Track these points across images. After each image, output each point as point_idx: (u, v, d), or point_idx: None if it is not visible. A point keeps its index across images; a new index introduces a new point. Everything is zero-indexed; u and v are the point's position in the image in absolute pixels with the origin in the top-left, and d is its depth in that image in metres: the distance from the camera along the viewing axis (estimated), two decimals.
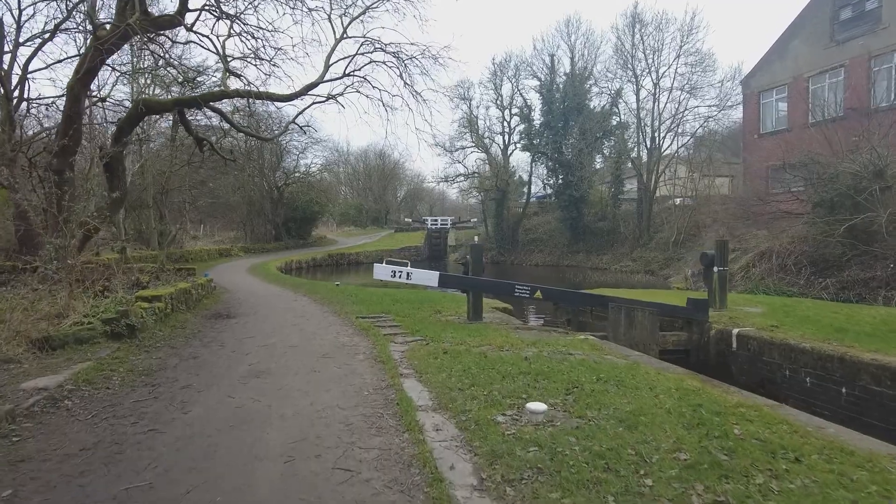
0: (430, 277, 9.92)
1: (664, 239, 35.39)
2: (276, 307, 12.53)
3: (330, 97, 15.23)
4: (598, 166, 45.53)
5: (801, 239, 19.42)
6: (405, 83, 13.69)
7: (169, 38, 12.79)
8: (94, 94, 18.11)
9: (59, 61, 13.76)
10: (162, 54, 14.82)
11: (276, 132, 16.00)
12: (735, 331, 9.75)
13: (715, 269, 12.07)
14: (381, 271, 9.80)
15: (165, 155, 28.47)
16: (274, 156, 45.04)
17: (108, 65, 16.39)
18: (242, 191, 42.43)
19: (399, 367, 6.41)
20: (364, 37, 13.94)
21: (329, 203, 51.29)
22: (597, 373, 6.01)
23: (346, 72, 13.39)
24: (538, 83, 44.94)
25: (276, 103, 15.02)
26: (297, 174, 46.78)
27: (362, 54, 13.56)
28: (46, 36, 13.54)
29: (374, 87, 14.01)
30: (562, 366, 6.31)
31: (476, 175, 50.65)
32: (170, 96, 15.59)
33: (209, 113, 26.22)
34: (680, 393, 5.34)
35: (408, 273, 9.69)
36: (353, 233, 60.89)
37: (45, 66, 14.40)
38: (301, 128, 14.77)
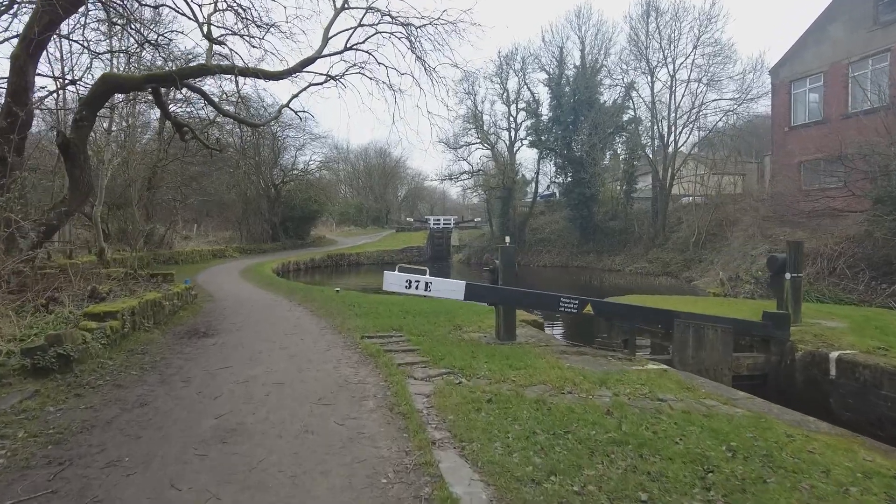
0: (454, 289, 7.95)
1: (681, 239, 33.47)
2: (266, 321, 10.57)
3: (329, 78, 13.27)
4: (608, 163, 43.62)
5: (851, 239, 17.51)
6: (416, 57, 11.73)
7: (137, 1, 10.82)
8: (65, 78, 16.23)
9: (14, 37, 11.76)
10: (138, 28, 12.92)
11: (268, 118, 14.07)
12: (834, 354, 7.81)
13: (787, 275, 10.16)
14: (393, 281, 7.83)
15: (153, 149, 26.55)
16: (271, 152, 43.09)
17: (81, 44, 14.48)
18: (238, 189, 40.52)
19: (427, 427, 4.45)
20: (369, 7, 12.01)
21: (328, 202, 49.28)
22: (721, 438, 4.07)
23: (348, 45, 11.45)
24: (546, 76, 42.97)
25: (266, 82, 13.08)
26: (295, 171, 44.78)
27: (366, 25, 11.63)
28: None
29: (379, 63, 12.05)
30: (663, 424, 4.37)
31: (481, 172, 48.70)
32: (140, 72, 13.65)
33: (197, 100, 24.36)
34: (877, 481, 3.40)
35: (426, 284, 7.73)
36: (353, 233, 58.93)
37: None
38: (296, 113, 12.80)
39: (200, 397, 5.46)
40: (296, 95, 12.75)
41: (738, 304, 13.23)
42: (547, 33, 48.85)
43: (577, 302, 7.99)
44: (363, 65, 12.72)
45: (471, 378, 5.93)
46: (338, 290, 14.90)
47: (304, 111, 12.99)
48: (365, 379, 6.06)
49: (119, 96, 19.58)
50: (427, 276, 7.83)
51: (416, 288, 7.73)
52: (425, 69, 11.76)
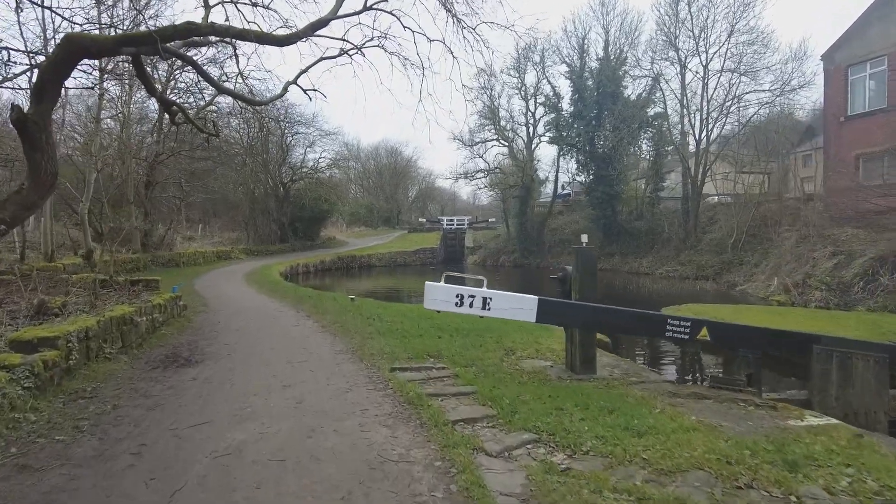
0: (522, 307, 5.77)
1: (715, 240, 31.14)
2: (266, 340, 8.50)
3: (343, 52, 11.21)
4: (635, 160, 41.38)
5: None
6: (449, 12, 9.61)
7: None
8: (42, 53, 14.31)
9: None
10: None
11: (272, 97, 12.13)
12: None
13: None
14: (440, 297, 5.68)
15: (151, 141, 24.66)
16: (279, 150, 41.20)
17: (56, 11, 12.53)
18: (245, 187, 38.68)
19: None
20: None
21: (339, 202, 47.26)
22: None
23: (368, 3, 9.41)
24: (567, 69, 40.73)
25: (271, 57, 11.06)
26: (304, 169, 42.80)
27: None
28: None
29: (405, 27, 9.97)
30: None
31: (497, 171, 46.54)
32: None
33: (198, 88, 22.40)
34: None
35: (485, 300, 5.59)
36: (363, 233, 56.97)
37: None
38: (305, 92, 10.71)
39: (150, 492, 3.37)
40: (305, 70, 10.67)
41: (838, 318, 11.03)
42: (569, 23, 46.13)
43: (688, 325, 5.86)
44: (384, 34, 10.62)
45: (574, 453, 3.81)
46: (353, 299, 12.82)
47: (313, 90, 10.86)
48: (409, 453, 3.93)
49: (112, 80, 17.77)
50: (485, 288, 5.70)
51: (471, 306, 5.62)
52: (461, 26, 9.65)
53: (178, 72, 23.44)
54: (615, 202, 39.76)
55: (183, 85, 24.09)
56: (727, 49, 31.44)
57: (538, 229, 44.16)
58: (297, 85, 11.16)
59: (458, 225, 54.08)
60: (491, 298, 5.66)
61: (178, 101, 21.51)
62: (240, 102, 13.63)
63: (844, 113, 22.64)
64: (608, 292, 26.22)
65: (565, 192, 49.68)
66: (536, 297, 5.89)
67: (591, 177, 40.36)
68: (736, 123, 33.65)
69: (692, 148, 34.35)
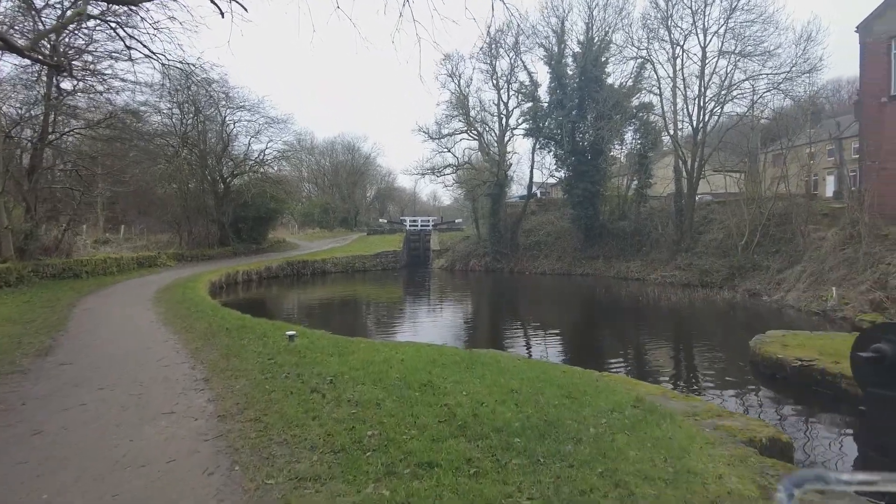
0: None
1: (716, 242, 27.82)
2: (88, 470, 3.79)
3: None
4: (621, 154, 37.94)
5: None
6: None
7: None
8: None
9: None
10: None
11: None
12: None
13: None
14: None
15: (37, 116, 19.06)
16: (219, 139, 35.66)
17: None
18: (179, 181, 33.01)
19: None
20: None
21: (289, 199, 41.86)
22: None
23: None
24: (545, 53, 36.88)
25: None
26: (249, 162, 37.25)
27: None
28: None
29: None
30: None
31: (468, 165, 42.25)
32: None
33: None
34: None
35: None
36: (318, 235, 51.56)
37: None
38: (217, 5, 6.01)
39: None
40: None
41: None
42: (545, 2, 42.51)
43: None
44: None
45: None
46: (291, 337, 8.07)
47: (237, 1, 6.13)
48: None
49: None
50: None
51: None
52: None
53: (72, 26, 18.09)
54: (597, 200, 36.19)
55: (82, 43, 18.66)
56: (726, 29, 28.08)
57: (512, 230, 40.15)
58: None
59: (422, 226, 49.61)
60: None
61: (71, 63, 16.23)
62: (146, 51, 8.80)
63: (887, 93, 19.32)
64: (594, 301, 22.27)
65: (534, 192, 45.90)
66: None
67: (571, 172, 36.64)
68: (734, 114, 30.38)
69: (689, 138, 30.96)
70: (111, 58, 17.29)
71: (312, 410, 4.85)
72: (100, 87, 18.56)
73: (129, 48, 9.32)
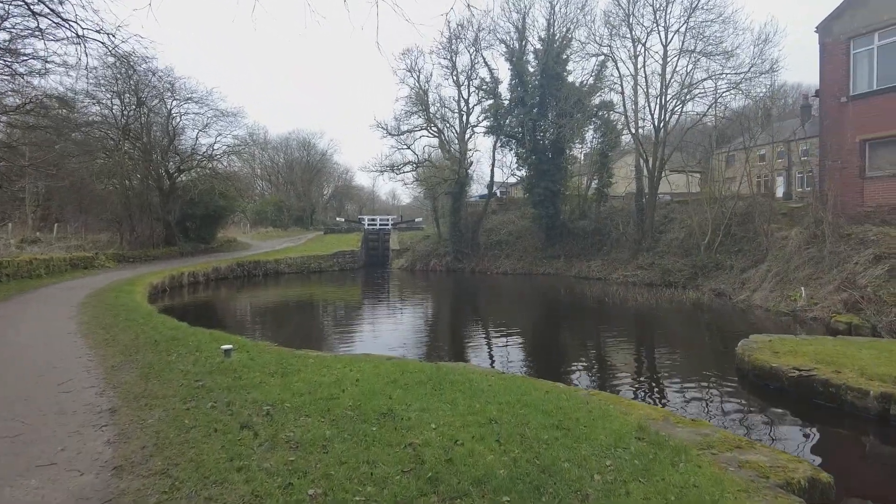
0: None
1: (677, 241, 27.81)
2: None
3: None
4: (581, 153, 37.71)
5: None
6: None
7: None
8: None
9: None
10: None
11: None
12: None
13: None
14: None
15: None
16: (164, 133, 33.39)
17: None
18: (119, 176, 30.74)
19: None
20: None
21: (240, 197, 39.75)
22: None
23: None
24: (506, 49, 36.24)
25: None
26: (196, 157, 35.03)
27: None
28: None
29: None
30: None
31: (427, 163, 41.22)
32: None
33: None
34: None
35: None
36: (271, 235, 49.48)
37: None
38: None
39: None
40: None
41: None
42: None
43: None
44: None
45: None
46: (227, 351, 6.88)
47: None
48: None
49: None
50: None
51: None
52: None
53: None
54: (558, 200, 35.83)
55: None
56: (687, 28, 28.01)
57: (473, 230, 39.43)
58: None
59: (381, 225, 48.26)
60: None
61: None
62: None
63: (846, 93, 19.39)
64: (557, 301, 21.66)
65: (494, 191, 45.30)
66: None
67: (532, 171, 36.14)
68: (694, 113, 30.42)
69: (642, 139, 30.86)
70: (32, 35, 15.44)
71: (239, 457, 3.76)
72: (21, 69, 16.64)
73: (34, 13, 7.90)
